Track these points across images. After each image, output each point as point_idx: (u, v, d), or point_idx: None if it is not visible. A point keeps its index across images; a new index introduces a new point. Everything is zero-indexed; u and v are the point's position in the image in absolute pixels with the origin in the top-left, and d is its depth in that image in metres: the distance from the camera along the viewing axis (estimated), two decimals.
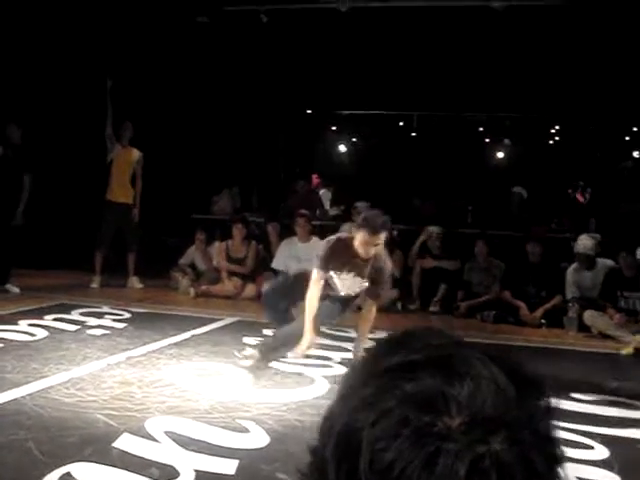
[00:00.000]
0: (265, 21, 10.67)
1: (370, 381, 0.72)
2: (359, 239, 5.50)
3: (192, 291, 9.60)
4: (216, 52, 11.85)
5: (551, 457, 0.68)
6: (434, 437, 0.65)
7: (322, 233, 10.48)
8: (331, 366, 6.12)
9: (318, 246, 9.59)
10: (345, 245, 5.63)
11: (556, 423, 0.71)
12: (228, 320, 8.04)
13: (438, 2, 10.28)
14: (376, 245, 5.53)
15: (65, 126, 10.90)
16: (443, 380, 0.68)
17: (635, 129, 17.18)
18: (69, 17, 10.01)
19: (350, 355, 6.47)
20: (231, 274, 9.86)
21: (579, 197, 12.91)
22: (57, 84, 10.68)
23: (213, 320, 7.93)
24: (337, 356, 6.44)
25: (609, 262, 8.79)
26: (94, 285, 9.78)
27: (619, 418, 5.08)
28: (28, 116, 9.70)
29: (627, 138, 17.70)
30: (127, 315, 7.90)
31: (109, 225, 9.89)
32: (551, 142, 18.60)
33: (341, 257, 5.62)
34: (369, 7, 10.42)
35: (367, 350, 0.78)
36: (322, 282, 5.62)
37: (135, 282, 10.06)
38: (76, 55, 10.62)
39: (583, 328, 8.40)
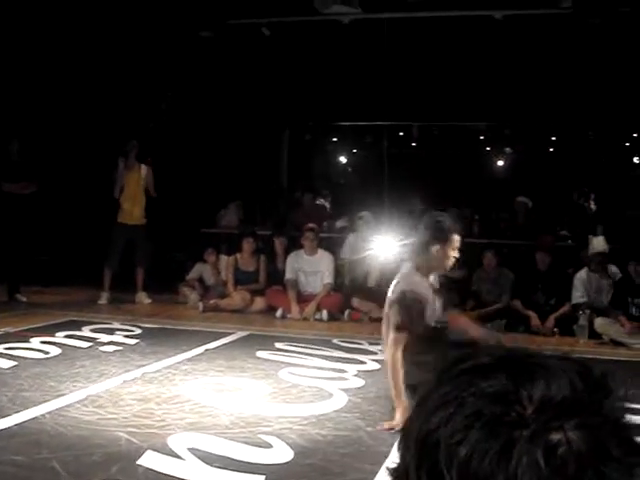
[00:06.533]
0: (267, 35, 10.71)
1: (444, 383, 0.74)
2: (435, 260, 5.04)
3: (200, 305, 9.59)
4: (218, 66, 11.89)
5: (625, 442, 0.69)
6: (507, 426, 0.67)
7: (329, 246, 10.54)
8: (347, 379, 6.10)
9: (324, 259, 9.72)
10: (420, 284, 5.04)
11: (628, 411, 0.72)
12: (239, 334, 8.03)
13: (437, 12, 10.31)
14: (454, 250, 5.06)
15: (74, 141, 10.95)
16: (515, 376, 0.71)
17: (635, 135, 17.23)
18: (76, 34, 10.04)
19: (365, 367, 6.49)
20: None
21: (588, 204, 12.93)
22: (66, 103, 10.74)
23: (224, 334, 7.91)
24: (352, 369, 6.42)
25: (614, 268, 8.81)
26: (102, 301, 9.76)
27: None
28: (39, 133, 9.79)
29: (627, 144, 17.78)
30: (138, 331, 7.88)
31: (119, 243, 9.89)
32: (551, 149, 18.66)
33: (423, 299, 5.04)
34: (369, 19, 10.46)
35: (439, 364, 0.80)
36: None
37: (143, 297, 10.04)
38: (82, 74, 10.66)
39: (593, 335, 8.40)
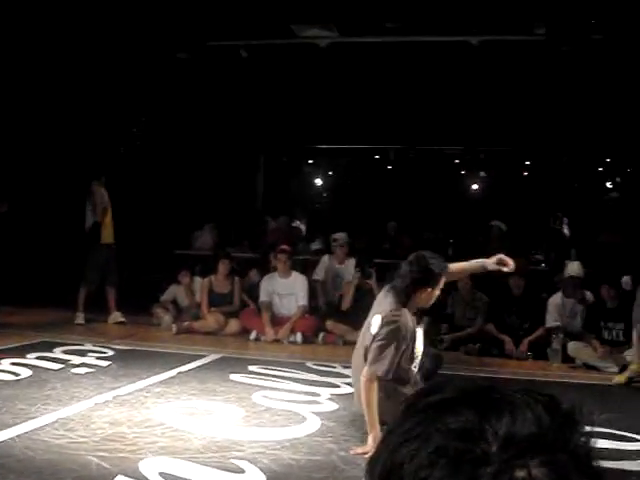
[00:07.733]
0: (245, 56, 10.73)
1: (409, 418, 0.73)
2: (421, 299, 5.09)
3: (174, 327, 9.52)
4: (194, 88, 11.88)
5: (591, 477, 0.69)
6: (472, 463, 0.67)
7: (304, 268, 10.53)
8: (320, 402, 6.07)
9: (298, 281, 9.69)
10: (406, 321, 5.03)
11: (594, 446, 0.71)
12: (212, 357, 7.98)
13: (414, 37, 10.38)
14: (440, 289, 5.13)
15: (46, 163, 10.88)
16: (480, 411, 0.70)
17: (608, 160, 17.43)
18: (49, 54, 10.00)
19: (338, 391, 6.47)
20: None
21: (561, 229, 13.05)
22: (38, 125, 10.68)
23: (197, 357, 7.86)
24: (326, 392, 6.39)
25: (588, 294, 8.87)
26: (80, 321, 9.67)
27: (610, 450, 5.07)
28: (11, 154, 9.72)
29: (600, 169, 17.97)
30: (110, 353, 7.81)
31: (101, 263, 9.87)
32: (526, 174, 18.82)
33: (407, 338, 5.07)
34: (347, 42, 10.52)
35: (405, 398, 0.80)
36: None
37: (118, 316, 9.96)
38: (55, 95, 10.61)
39: (566, 359, 8.43)
